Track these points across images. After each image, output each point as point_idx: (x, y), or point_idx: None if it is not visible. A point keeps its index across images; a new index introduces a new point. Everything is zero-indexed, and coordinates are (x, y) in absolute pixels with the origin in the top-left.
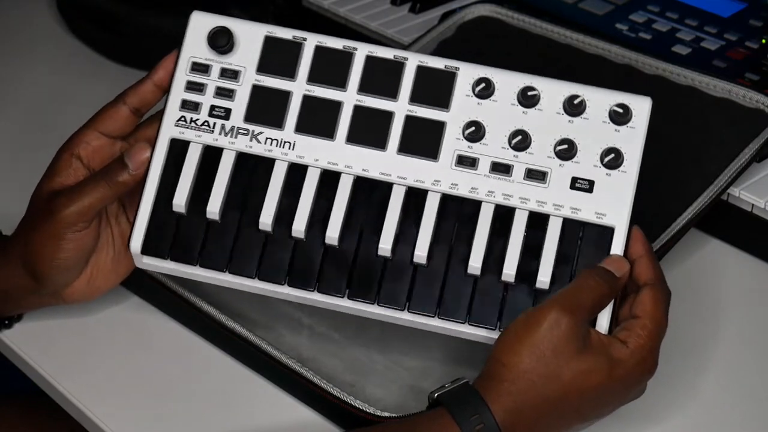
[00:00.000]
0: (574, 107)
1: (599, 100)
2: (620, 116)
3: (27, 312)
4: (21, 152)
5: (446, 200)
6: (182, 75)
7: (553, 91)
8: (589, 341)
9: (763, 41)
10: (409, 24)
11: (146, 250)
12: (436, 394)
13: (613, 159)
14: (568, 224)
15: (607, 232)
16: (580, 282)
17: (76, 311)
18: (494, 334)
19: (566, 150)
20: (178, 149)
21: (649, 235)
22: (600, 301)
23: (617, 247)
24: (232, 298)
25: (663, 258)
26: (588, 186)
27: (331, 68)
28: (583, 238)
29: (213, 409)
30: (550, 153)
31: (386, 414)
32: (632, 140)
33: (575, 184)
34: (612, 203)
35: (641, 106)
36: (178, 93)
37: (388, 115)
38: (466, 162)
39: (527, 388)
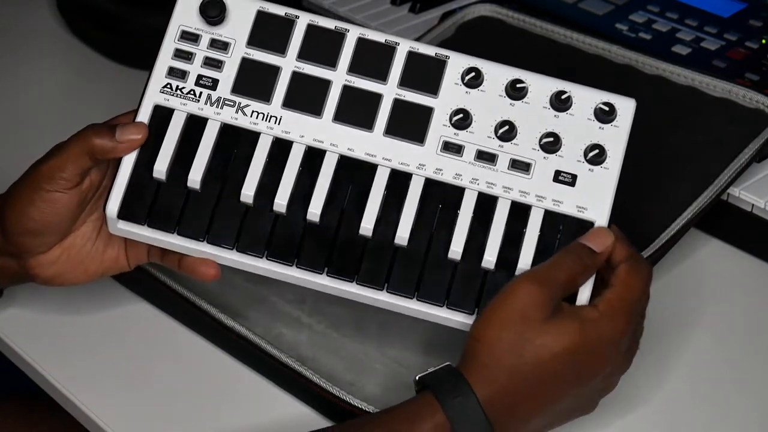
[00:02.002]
0: (561, 102)
1: (585, 97)
2: (605, 114)
3: None
4: (21, 152)
5: (430, 185)
6: (171, 42)
7: (540, 85)
8: (560, 310)
9: (763, 41)
10: (409, 24)
11: (123, 214)
12: (418, 377)
13: (596, 155)
14: (550, 216)
15: (587, 226)
16: (556, 259)
17: (77, 310)
18: (471, 320)
19: (551, 143)
20: (161, 116)
21: (649, 235)
22: (574, 278)
23: None
24: (232, 297)
25: (663, 258)
26: (571, 180)
27: (321, 47)
28: (563, 231)
29: (212, 407)
30: (535, 145)
31: None
32: (616, 138)
33: (558, 177)
34: (593, 198)
35: (626, 107)
36: (165, 60)
37: (376, 97)
38: (452, 148)
39: (500, 355)
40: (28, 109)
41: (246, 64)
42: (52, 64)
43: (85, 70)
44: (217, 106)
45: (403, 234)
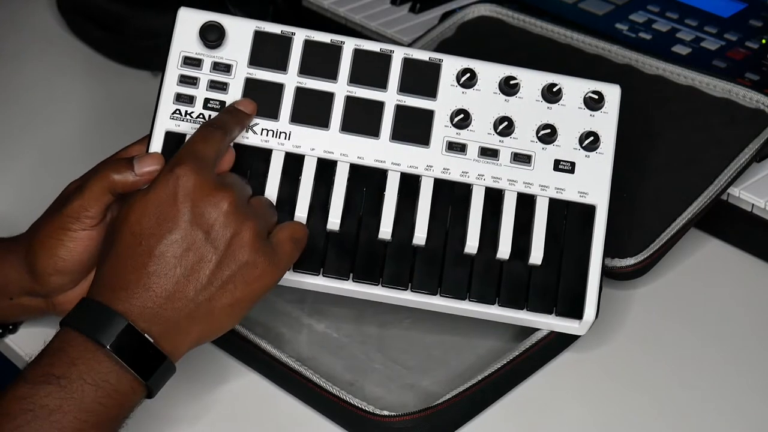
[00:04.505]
0: (552, 94)
1: (574, 87)
2: (595, 102)
3: (20, 318)
4: (21, 152)
5: (439, 184)
6: (174, 69)
7: (532, 80)
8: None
9: (763, 41)
10: (409, 24)
11: None
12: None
13: (591, 142)
14: (554, 203)
15: (590, 209)
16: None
17: None
18: (493, 309)
19: (548, 134)
20: (173, 142)
21: (649, 234)
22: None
23: (600, 224)
24: None
25: (663, 258)
26: (570, 167)
27: (320, 61)
28: (568, 216)
29: (211, 407)
30: (533, 137)
31: (385, 412)
32: (607, 124)
33: (558, 165)
34: (593, 183)
35: (612, 93)
36: (171, 87)
37: (379, 105)
38: (456, 147)
39: (102, 266)
40: (28, 109)
41: (250, 83)
42: (52, 64)
43: (85, 70)
44: None
45: (420, 234)
